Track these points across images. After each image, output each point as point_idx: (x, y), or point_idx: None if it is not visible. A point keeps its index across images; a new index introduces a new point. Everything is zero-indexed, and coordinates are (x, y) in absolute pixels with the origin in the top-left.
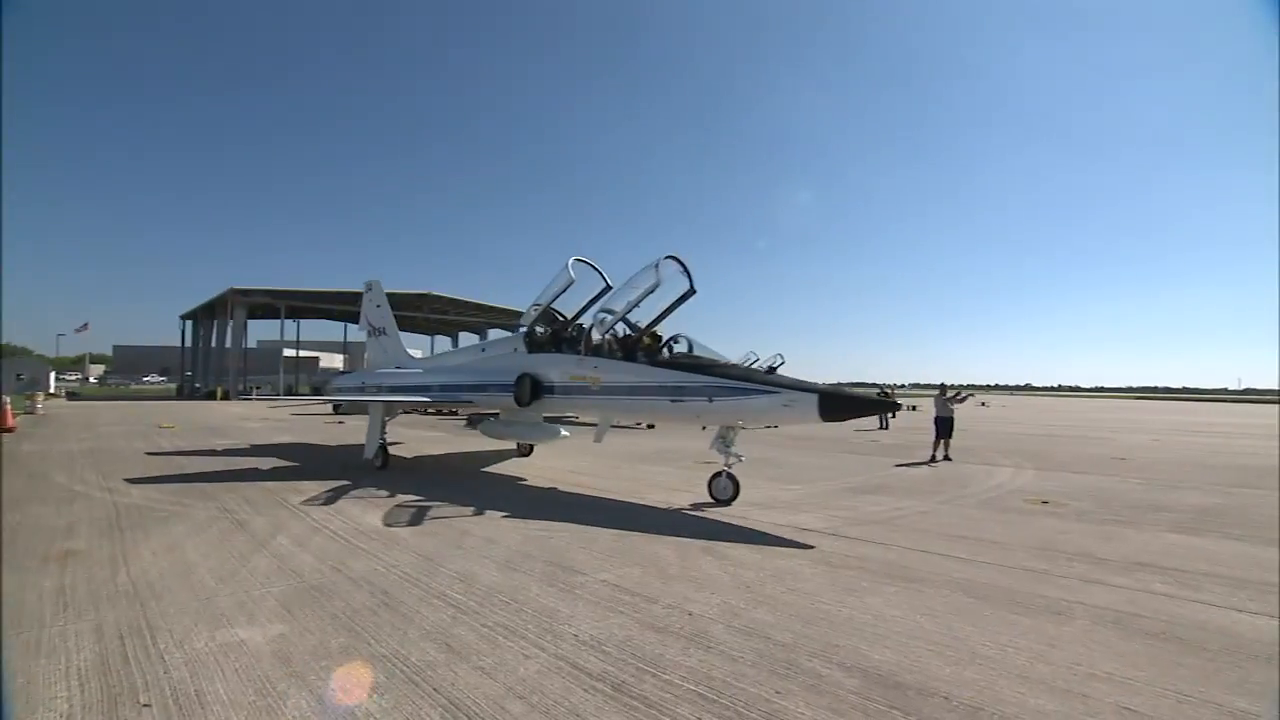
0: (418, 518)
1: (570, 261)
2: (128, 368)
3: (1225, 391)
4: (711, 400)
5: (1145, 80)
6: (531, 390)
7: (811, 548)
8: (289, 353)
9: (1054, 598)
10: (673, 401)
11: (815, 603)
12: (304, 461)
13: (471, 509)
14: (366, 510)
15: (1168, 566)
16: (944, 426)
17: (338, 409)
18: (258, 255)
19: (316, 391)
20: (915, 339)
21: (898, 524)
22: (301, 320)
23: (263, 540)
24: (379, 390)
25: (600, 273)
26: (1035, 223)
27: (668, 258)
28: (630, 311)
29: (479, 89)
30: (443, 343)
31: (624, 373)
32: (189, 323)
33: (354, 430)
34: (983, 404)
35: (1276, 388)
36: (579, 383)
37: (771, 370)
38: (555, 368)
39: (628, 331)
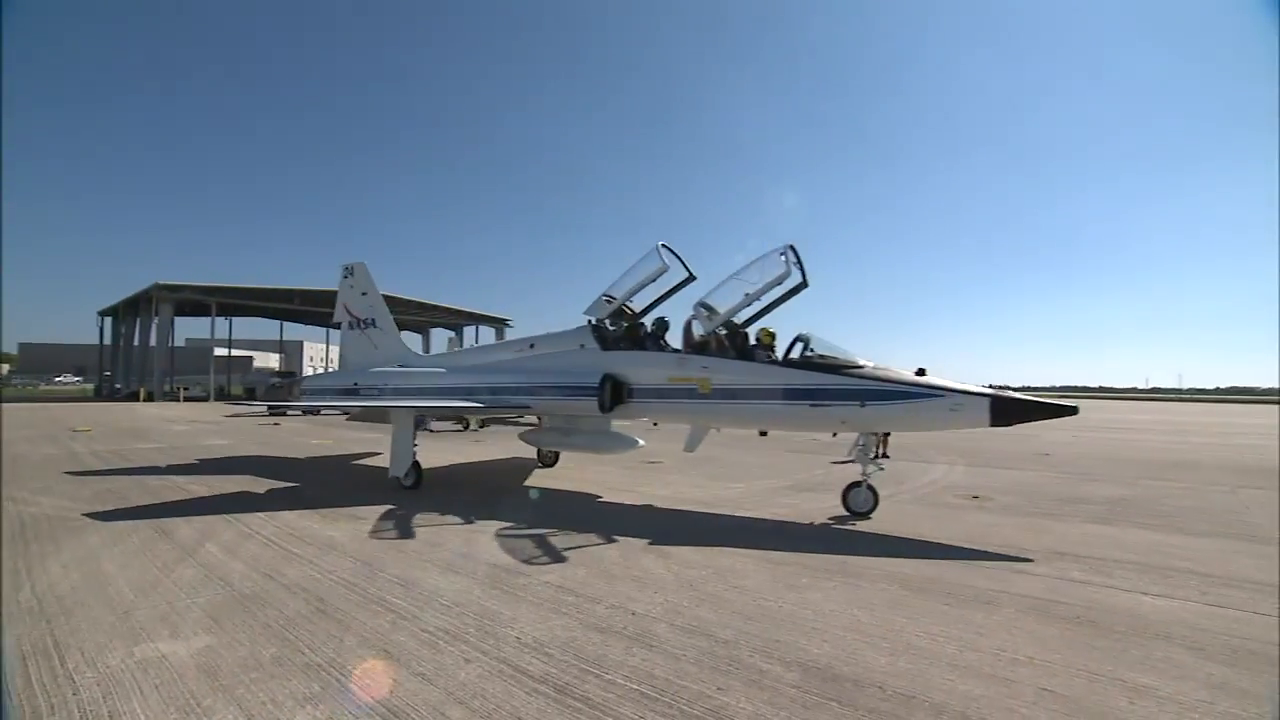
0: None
1: (657, 246)
2: (36, 367)
3: (1134, 390)
4: (864, 405)
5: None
6: (613, 394)
7: (754, 546)
8: (220, 352)
9: (982, 588)
10: (812, 406)
11: (757, 599)
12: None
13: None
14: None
15: (1083, 555)
16: None
17: (274, 410)
18: (187, 253)
19: (250, 393)
20: (852, 340)
21: (836, 521)
22: (234, 318)
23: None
24: (382, 393)
25: (683, 261)
26: (970, 230)
27: (788, 247)
28: (746, 307)
29: (431, 86)
30: None
31: (744, 374)
32: (108, 319)
33: (296, 432)
34: None
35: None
36: (681, 385)
37: (921, 372)
38: (646, 368)
39: (724, 329)
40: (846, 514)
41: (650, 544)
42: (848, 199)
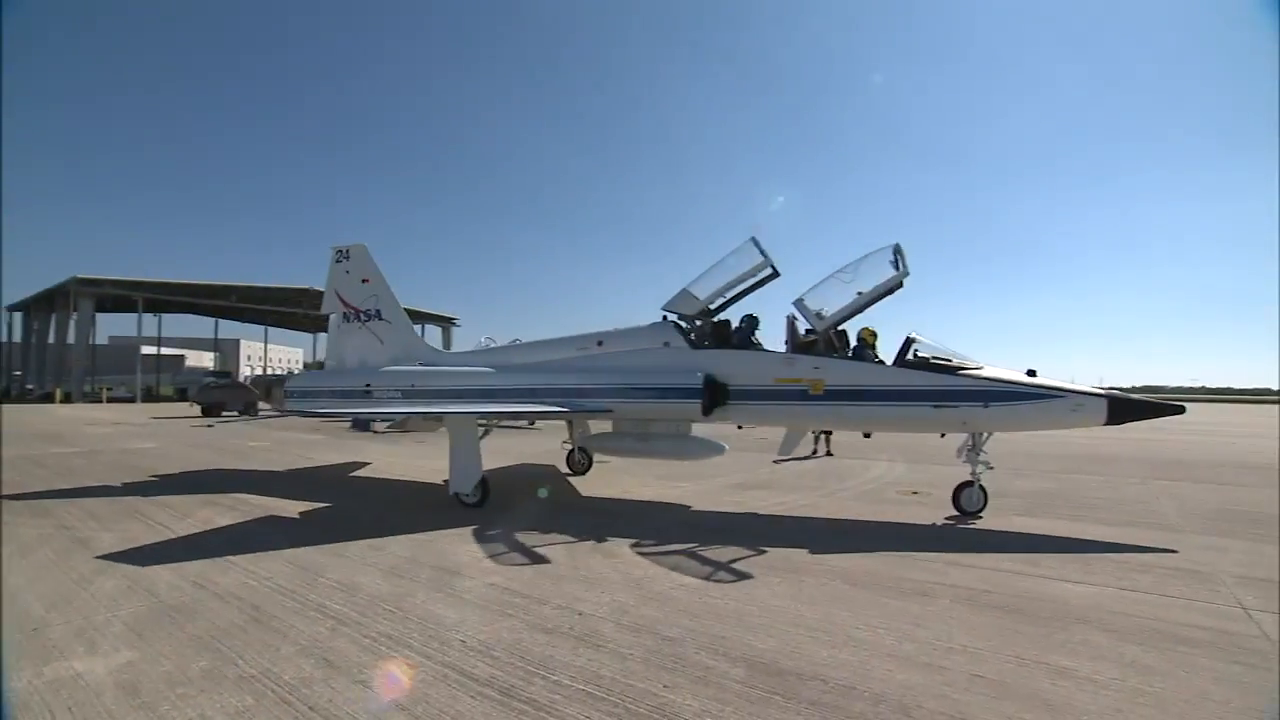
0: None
1: (752, 240)
2: None
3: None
4: (988, 406)
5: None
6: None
7: (702, 544)
8: (149, 350)
9: (920, 580)
10: (935, 408)
11: (704, 597)
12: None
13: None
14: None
15: (1012, 546)
16: None
17: (208, 410)
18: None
19: (182, 394)
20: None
21: (781, 518)
22: (166, 315)
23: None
24: (412, 396)
25: (767, 256)
26: (907, 234)
27: (895, 247)
28: (863, 308)
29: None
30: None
31: (860, 375)
32: (18, 315)
33: (232, 434)
34: None
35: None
36: (788, 386)
37: (1031, 373)
38: (748, 367)
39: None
40: (791, 509)
41: (597, 544)
42: (833, 197)
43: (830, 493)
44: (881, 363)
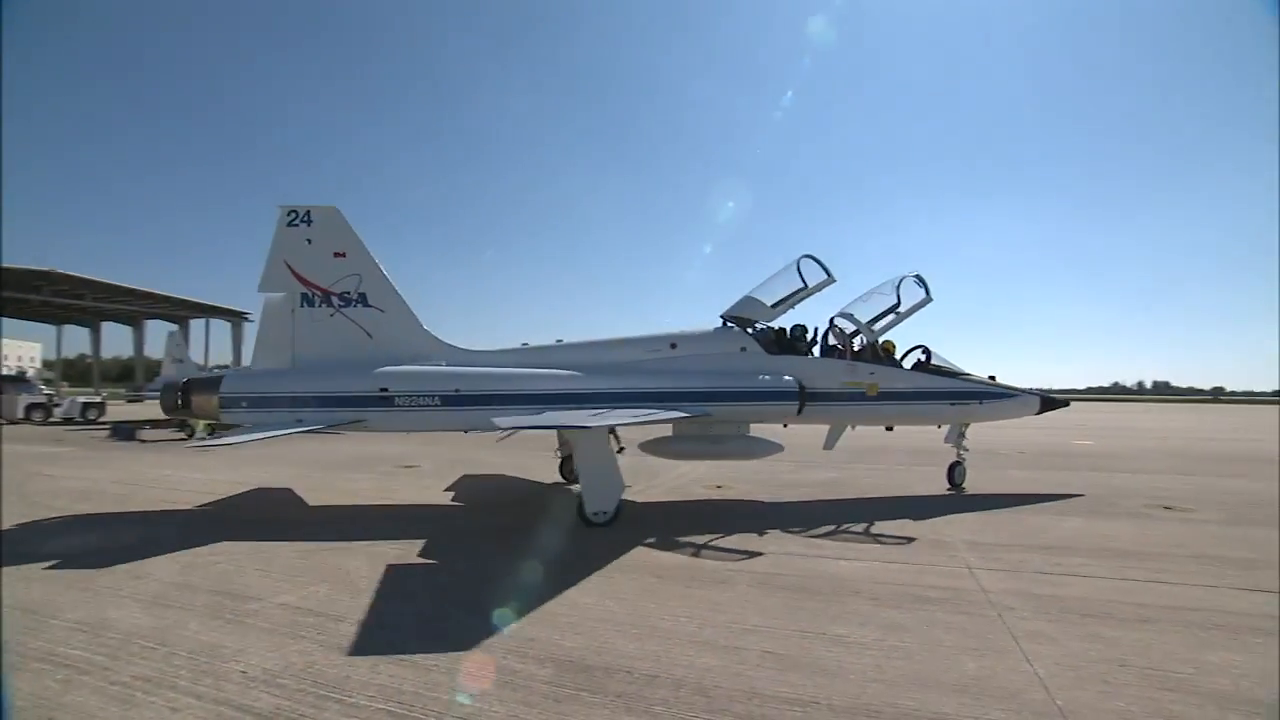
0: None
1: (804, 260)
2: None
3: None
4: (982, 403)
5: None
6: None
7: (522, 547)
8: None
9: (720, 568)
10: (951, 405)
11: (514, 601)
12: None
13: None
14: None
15: (801, 530)
16: None
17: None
18: None
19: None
20: None
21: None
22: None
23: None
24: (460, 400)
25: (828, 271)
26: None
27: (917, 276)
28: (895, 323)
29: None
30: (77, 334)
31: (901, 379)
32: None
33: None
34: None
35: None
36: (852, 389)
37: (992, 378)
38: (823, 372)
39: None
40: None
41: (404, 552)
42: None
43: (640, 490)
44: (934, 370)
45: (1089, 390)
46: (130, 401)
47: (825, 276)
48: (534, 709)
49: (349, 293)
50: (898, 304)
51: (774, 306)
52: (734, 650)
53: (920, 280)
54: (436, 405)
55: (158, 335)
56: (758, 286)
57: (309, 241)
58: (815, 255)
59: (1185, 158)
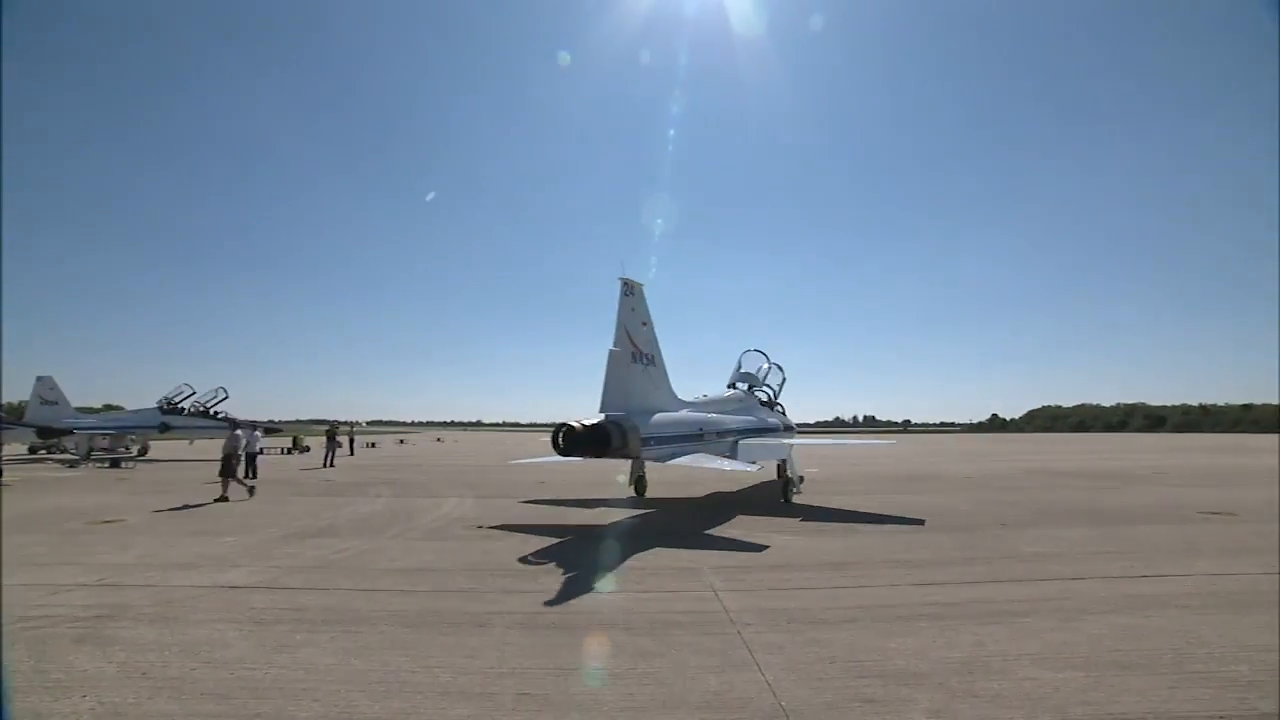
0: None
1: (748, 353)
2: None
3: None
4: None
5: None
6: None
7: (240, 609)
8: None
9: (478, 612)
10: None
11: (237, 671)
12: None
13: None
14: None
15: (563, 564)
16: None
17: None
18: None
19: None
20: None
21: (342, 566)
22: None
23: None
24: (718, 438)
25: (766, 356)
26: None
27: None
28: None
29: None
30: None
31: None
32: None
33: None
34: (401, 441)
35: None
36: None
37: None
38: (781, 417)
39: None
40: (352, 555)
41: (84, 631)
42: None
43: (397, 534)
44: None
45: (817, 424)
46: None
47: (772, 369)
48: None
49: (649, 355)
50: (770, 369)
51: (749, 380)
52: (488, 697)
53: (761, 353)
54: (719, 441)
55: None
56: (739, 371)
57: (633, 310)
58: (759, 348)
59: (1184, 159)
